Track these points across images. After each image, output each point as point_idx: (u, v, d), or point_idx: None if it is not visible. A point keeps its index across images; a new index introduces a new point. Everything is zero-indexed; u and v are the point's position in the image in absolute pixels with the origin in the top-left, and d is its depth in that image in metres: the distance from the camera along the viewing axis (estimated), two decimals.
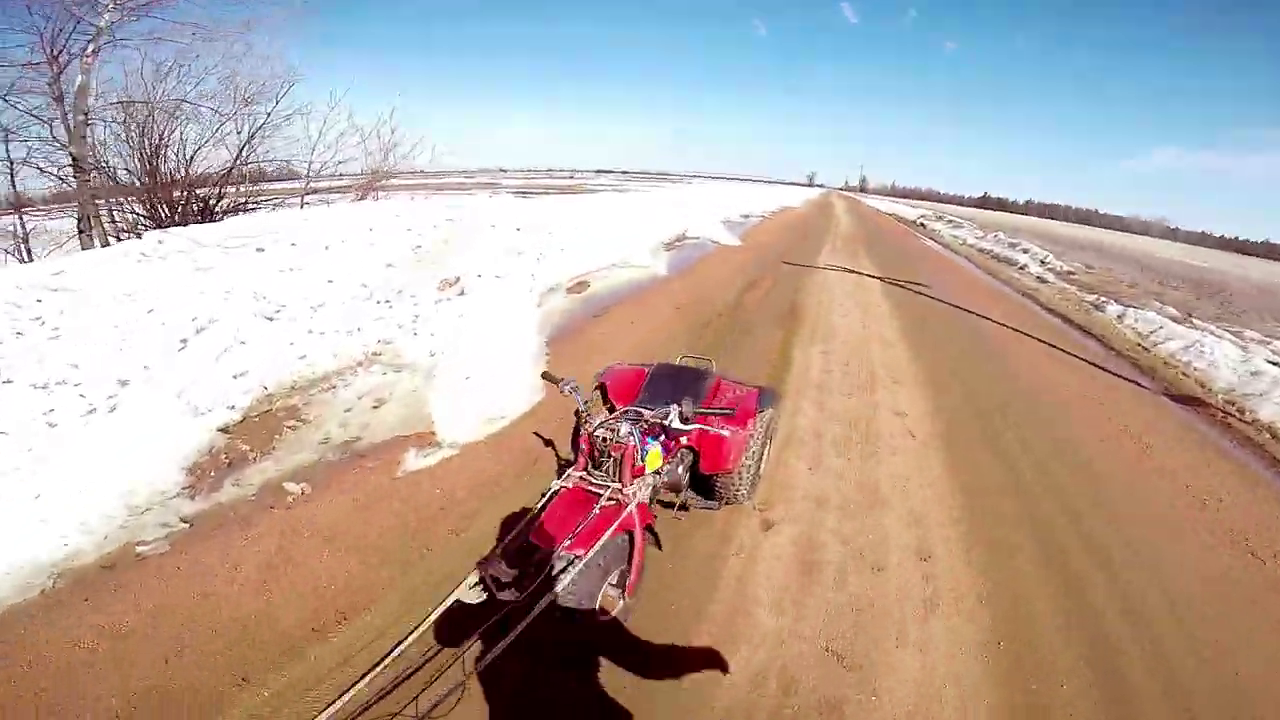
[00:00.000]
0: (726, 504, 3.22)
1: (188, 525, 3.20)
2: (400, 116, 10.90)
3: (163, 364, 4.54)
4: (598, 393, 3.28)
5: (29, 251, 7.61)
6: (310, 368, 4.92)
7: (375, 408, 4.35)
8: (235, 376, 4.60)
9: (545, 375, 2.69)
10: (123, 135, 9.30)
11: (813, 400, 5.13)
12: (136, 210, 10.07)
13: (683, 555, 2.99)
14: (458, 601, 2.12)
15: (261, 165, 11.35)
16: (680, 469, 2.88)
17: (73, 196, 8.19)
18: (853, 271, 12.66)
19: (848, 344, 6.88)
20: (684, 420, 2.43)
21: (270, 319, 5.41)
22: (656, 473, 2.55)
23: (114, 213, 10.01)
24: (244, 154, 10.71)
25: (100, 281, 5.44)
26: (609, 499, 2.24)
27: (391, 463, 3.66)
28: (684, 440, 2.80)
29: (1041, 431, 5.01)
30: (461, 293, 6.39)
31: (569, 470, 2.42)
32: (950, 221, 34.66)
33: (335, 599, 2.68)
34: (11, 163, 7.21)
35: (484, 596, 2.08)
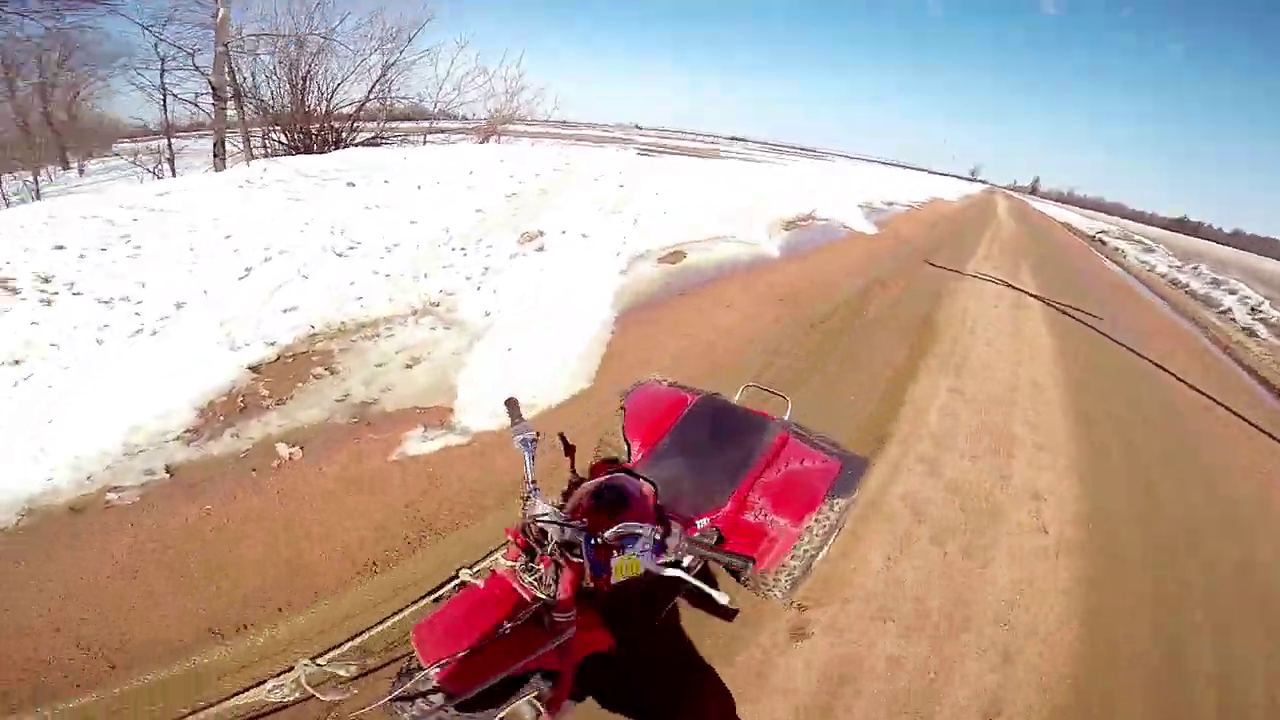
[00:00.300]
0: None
1: (168, 476, 2.86)
2: (529, 64, 10.49)
3: (221, 291, 4.38)
4: (619, 414, 2.45)
5: (173, 170, 8.20)
6: (364, 311, 4.56)
7: (408, 367, 3.86)
8: (285, 311, 4.33)
9: (509, 402, 1.94)
10: (273, 67, 9.73)
11: (922, 456, 3.90)
12: (280, 139, 10.63)
13: (655, 663, 2.10)
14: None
15: (393, 102, 11.51)
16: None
17: (221, 124, 8.72)
18: (1011, 286, 10.45)
19: (988, 382, 5.37)
20: (668, 553, 1.50)
21: (340, 255, 5.14)
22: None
23: (264, 139, 10.63)
24: (378, 90, 10.84)
25: (195, 205, 5.49)
26: (536, 616, 1.49)
27: (394, 440, 3.13)
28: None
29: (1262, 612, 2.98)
30: (541, 249, 5.77)
31: (498, 556, 1.63)
32: (1139, 243, 28.78)
33: (240, 608, 2.15)
34: (165, 90, 7.69)
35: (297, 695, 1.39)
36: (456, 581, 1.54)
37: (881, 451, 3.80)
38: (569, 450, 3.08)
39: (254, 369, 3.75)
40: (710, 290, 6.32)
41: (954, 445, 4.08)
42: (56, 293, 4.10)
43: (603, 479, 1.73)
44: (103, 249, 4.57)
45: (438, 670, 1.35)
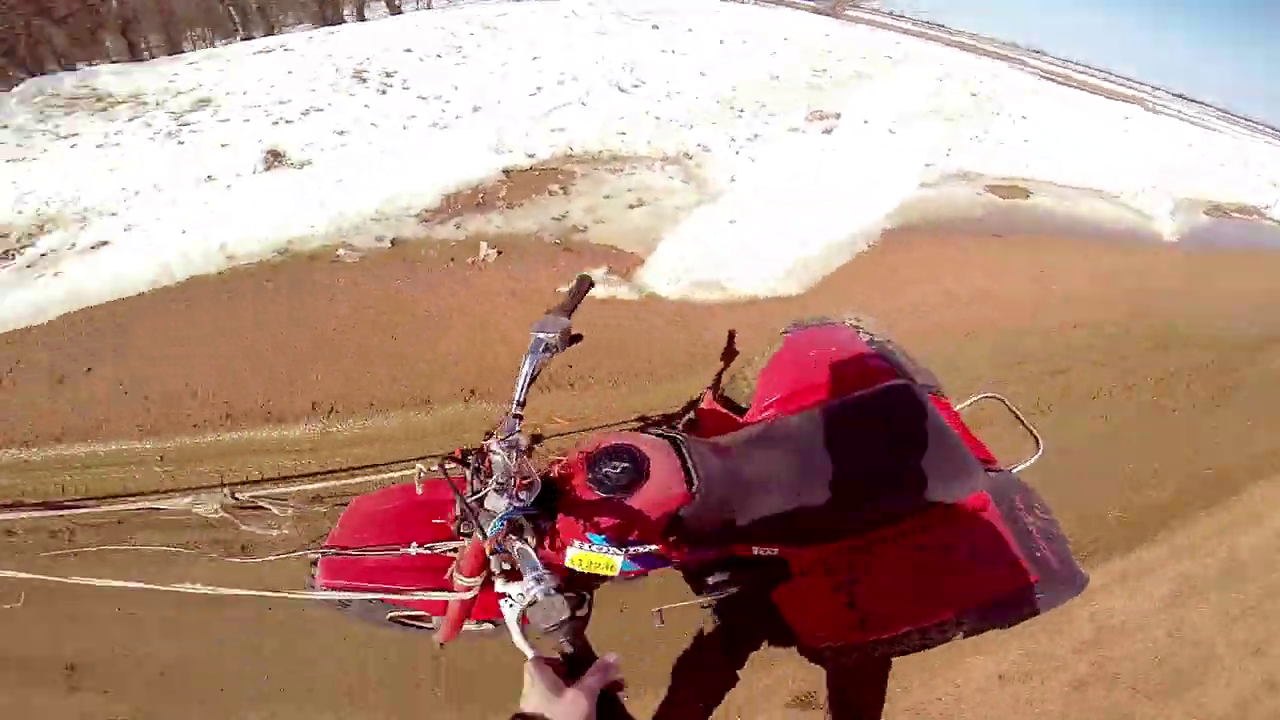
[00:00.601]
0: None
1: (389, 246, 3.09)
2: None
3: (511, 102, 4.58)
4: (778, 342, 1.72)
5: None
6: (622, 145, 4.35)
7: (630, 207, 3.55)
8: (554, 130, 4.34)
9: (580, 281, 1.35)
10: None
11: None
12: None
13: None
14: None
15: None
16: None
17: None
18: None
19: None
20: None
21: (623, 91, 4.95)
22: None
23: None
24: None
25: (521, 26, 5.80)
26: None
27: (575, 272, 2.84)
28: None
29: None
30: (828, 131, 4.74)
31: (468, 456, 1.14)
32: None
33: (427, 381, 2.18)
34: None
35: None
36: (414, 470, 1.14)
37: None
38: (727, 357, 2.39)
39: (506, 172, 3.85)
40: (1039, 248, 4.46)
41: None
42: (392, 85, 4.76)
43: (621, 440, 1.18)
44: (438, 55, 5.15)
45: (322, 558, 1.21)
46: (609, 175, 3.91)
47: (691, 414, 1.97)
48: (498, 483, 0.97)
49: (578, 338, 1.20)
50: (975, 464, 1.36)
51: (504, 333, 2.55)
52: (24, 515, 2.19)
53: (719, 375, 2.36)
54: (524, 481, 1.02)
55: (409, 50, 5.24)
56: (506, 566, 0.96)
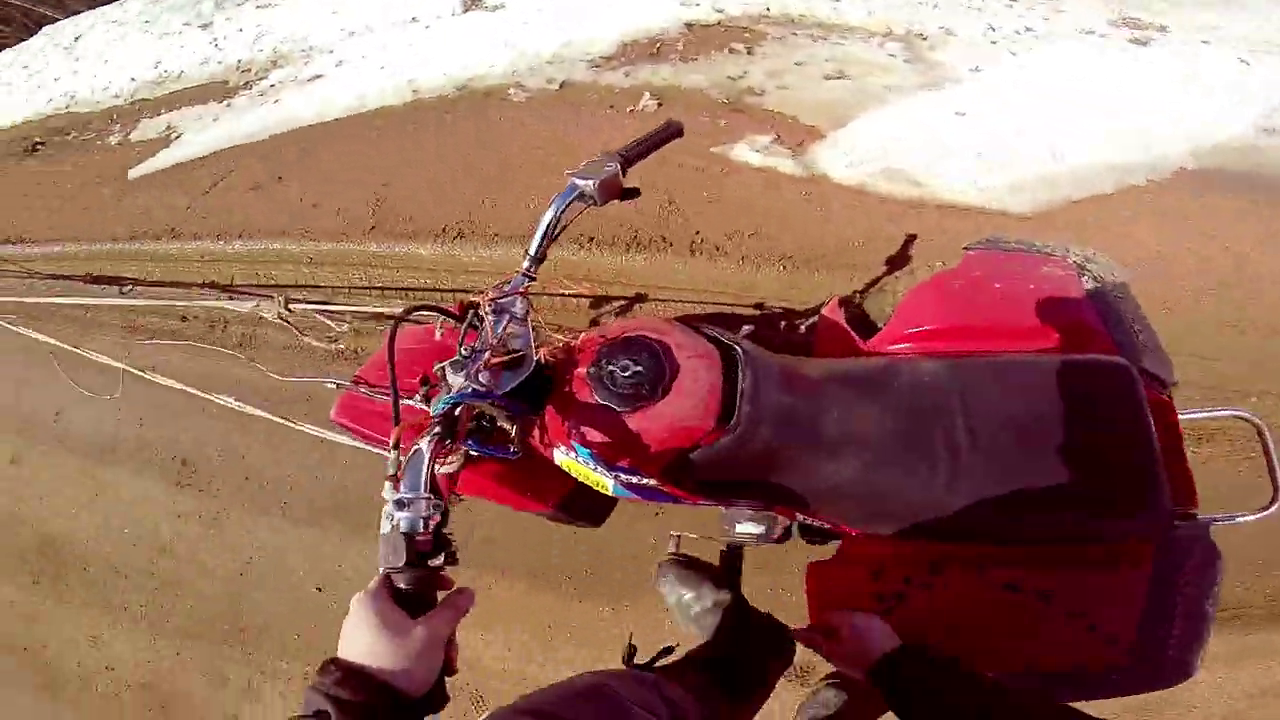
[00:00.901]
0: None
1: (557, 89, 2.92)
2: None
3: None
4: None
5: None
6: (832, 12, 3.60)
7: (827, 78, 2.93)
8: None
9: (667, 127, 1.10)
10: None
11: None
12: None
13: None
14: None
15: None
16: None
17: None
18: None
19: None
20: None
21: None
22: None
23: None
24: None
25: None
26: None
27: (735, 134, 2.41)
28: None
29: None
30: (1140, 43, 3.45)
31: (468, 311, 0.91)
32: None
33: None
34: None
35: None
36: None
37: None
38: (893, 264, 1.83)
39: (688, 25, 3.41)
40: None
41: None
42: None
43: (649, 331, 0.87)
44: None
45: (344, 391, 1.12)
46: (807, 41, 3.26)
47: (813, 319, 1.56)
48: (462, 354, 0.78)
49: (633, 192, 0.94)
50: (1164, 501, 0.87)
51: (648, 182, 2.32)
52: (89, 300, 2.57)
53: (870, 283, 1.86)
54: (505, 357, 0.80)
55: None
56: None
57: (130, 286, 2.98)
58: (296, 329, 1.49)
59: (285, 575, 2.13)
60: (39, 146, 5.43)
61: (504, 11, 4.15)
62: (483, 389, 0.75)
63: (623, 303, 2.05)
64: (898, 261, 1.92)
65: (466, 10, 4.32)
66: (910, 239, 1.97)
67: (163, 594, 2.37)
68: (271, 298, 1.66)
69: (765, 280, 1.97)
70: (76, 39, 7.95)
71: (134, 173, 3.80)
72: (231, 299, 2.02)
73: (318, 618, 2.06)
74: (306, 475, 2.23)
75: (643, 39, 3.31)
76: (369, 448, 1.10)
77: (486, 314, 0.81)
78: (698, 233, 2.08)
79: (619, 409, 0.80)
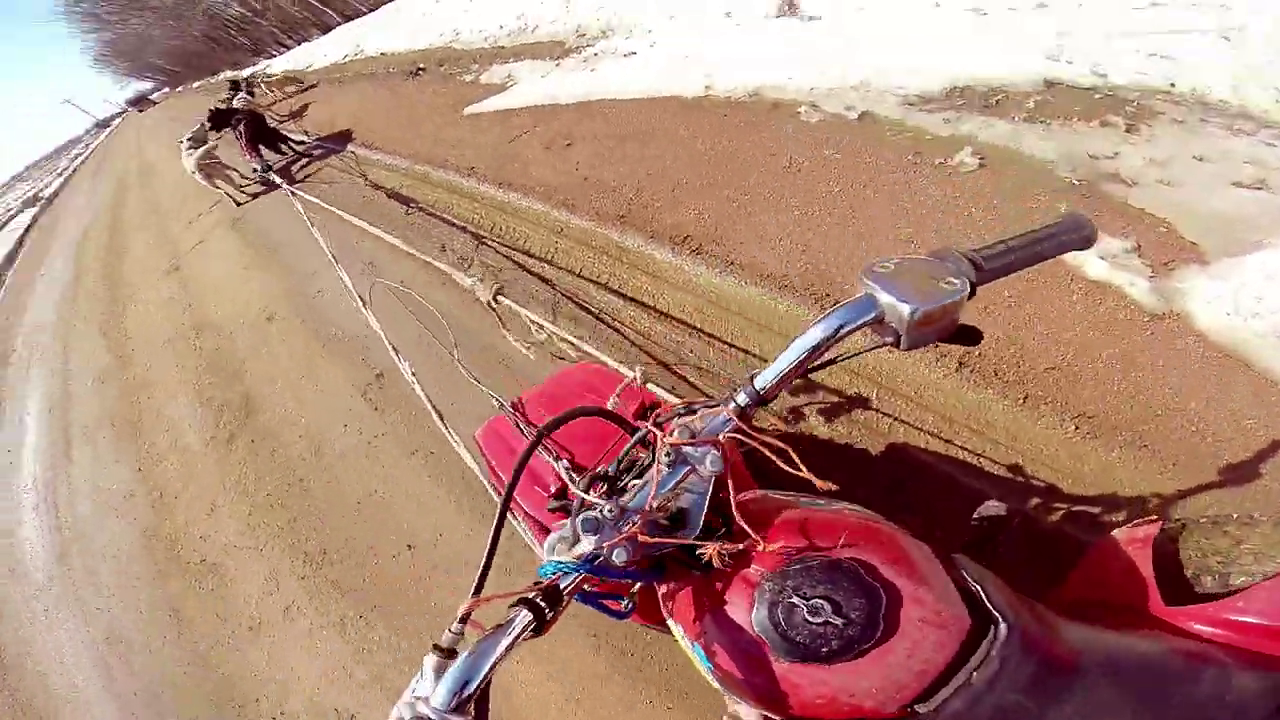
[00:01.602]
0: None
1: (854, 117, 2.68)
2: None
3: (1099, 4, 3.20)
4: None
5: None
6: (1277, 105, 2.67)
7: (1235, 185, 2.14)
8: (1151, 55, 2.92)
9: None
10: None
11: None
12: None
13: None
14: None
15: None
16: None
17: None
18: None
19: None
20: None
21: None
22: None
23: None
24: None
25: None
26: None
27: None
28: None
29: None
30: None
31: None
32: None
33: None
34: None
35: None
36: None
37: None
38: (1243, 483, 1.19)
39: (1048, 83, 2.78)
40: None
41: None
42: None
43: (870, 554, 0.56)
44: None
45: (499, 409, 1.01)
46: (1221, 133, 2.41)
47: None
48: (605, 512, 0.55)
49: (972, 335, 0.60)
50: None
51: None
52: (373, 229, 2.86)
53: (1200, 502, 1.26)
54: (653, 518, 0.56)
55: None
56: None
57: (413, 209, 3.54)
58: (501, 318, 1.50)
59: (392, 522, 1.99)
60: (420, 71, 6.81)
61: (818, 24, 3.89)
62: (615, 568, 0.55)
63: (837, 400, 1.70)
64: (1256, 481, 1.26)
65: (780, 15, 4.16)
66: None
67: (289, 494, 2.35)
68: (484, 281, 1.70)
69: (1041, 436, 1.44)
70: None
71: (468, 110, 4.51)
72: (462, 270, 2.13)
73: (394, 571, 1.89)
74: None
75: (980, 86, 2.78)
76: (489, 487, 1.02)
77: (661, 456, 0.58)
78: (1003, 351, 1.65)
79: (777, 657, 0.56)
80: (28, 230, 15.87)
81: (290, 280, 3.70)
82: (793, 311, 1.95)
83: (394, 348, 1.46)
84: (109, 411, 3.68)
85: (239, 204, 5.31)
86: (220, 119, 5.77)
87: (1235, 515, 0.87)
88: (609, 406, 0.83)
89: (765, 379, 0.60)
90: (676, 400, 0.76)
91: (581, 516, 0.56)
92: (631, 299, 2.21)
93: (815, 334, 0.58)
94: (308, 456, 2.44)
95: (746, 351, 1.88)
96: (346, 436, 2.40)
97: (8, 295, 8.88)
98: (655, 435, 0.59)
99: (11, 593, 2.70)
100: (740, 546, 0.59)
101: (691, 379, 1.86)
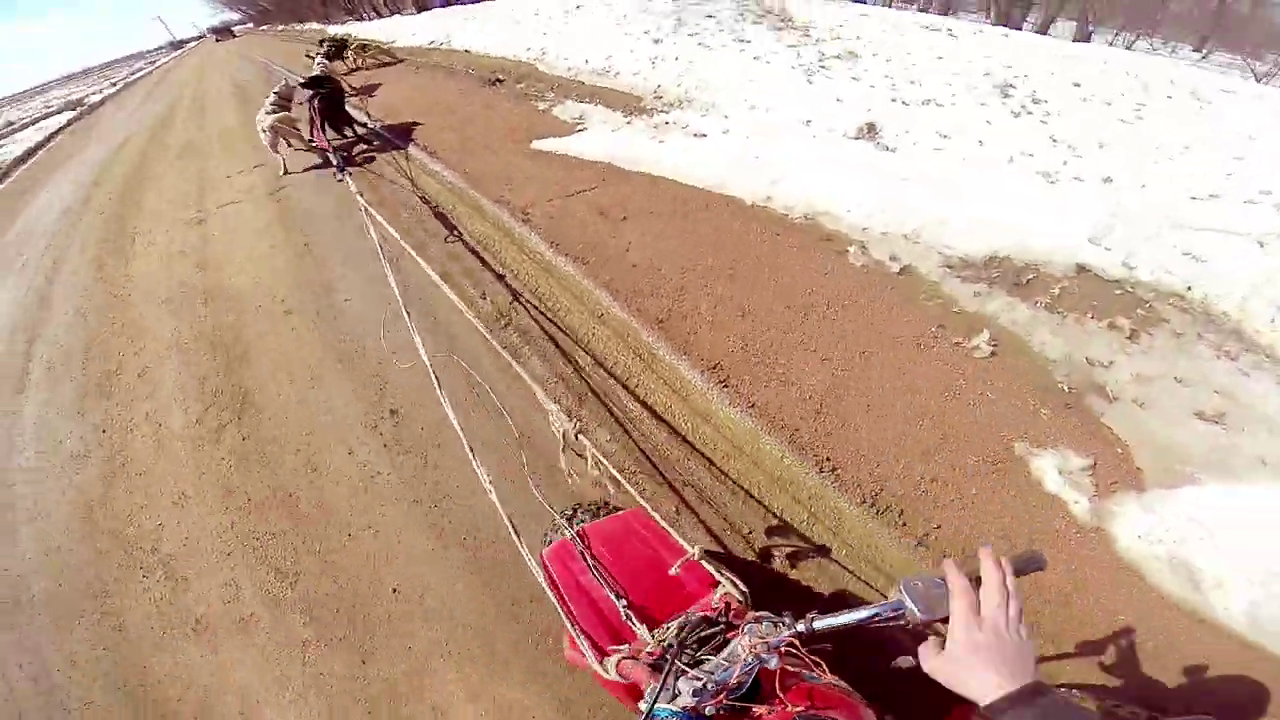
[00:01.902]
0: None
1: (896, 270, 2.84)
2: None
3: (1164, 192, 3.44)
4: None
5: None
6: (1270, 329, 2.86)
7: (1198, 415, 2.31)
8: (1192, 257, 3.13)
9: None
10: None
11: None
12: None
13: None
14: None
15: None
16: None
17: None
18: None
19: None
20: None
21: None
22: None
23: None
24: None
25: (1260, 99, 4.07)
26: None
27: (1048, 441, 2.08)
28: None
29: None
30: None
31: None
32: None
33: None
34: None
35: None
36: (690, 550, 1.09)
37: None
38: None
39: (1080, 268, 3.00)
40: None
41: None
42: (1030, 112, 4.09)
43: None
44: (1107, 102, 4.14)
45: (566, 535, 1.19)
46: (1208, 353, 2.58)
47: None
48: (709, 684, 0.78)
49: None
50: None
51: (935, 443, 2.07)
52: (408, 249, 2.96)
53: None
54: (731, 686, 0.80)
55: (1077, 85, 4.39)
56: None
57: (455, 238, 3.58)
58: (568, 445, 1.53)
59: (381, 562, 1.96)
60: (498, 82, 7.08)
61: (892, 156, 4.09)
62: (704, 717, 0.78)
63: (803, 547, 1.81)
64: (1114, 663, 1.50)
65: (858, 138, 4.38)
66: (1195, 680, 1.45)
67: (274, 504, 2.25)
68: (571, 419, 1.69)
69: None
70: (577, 7, 10.09)
71: (535, 144, 4.72)
72: (542, 390, 1.93)
73: (373, 610, 1.84)
74: (461, 506, 2.10)
75: (1018, 259, 2.98)
76: (553, 599, 1.11)
77: (744, 650, 0.80)
78: (938, 526, 1.82)
79: None
80: (56, 132, 15.73)
81: (319, 275, 3.59)
82: (800, 474, 2.03)
83: (472, 450, 1.40)
84: (83, 351, 3.47)
85: (286, 172, 5.34)
86: (313, 84, 5.76)
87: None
88: (671, 573, 1.10)
89: (820, 625, 0.82)
90: (730, 583, 1.03)
91: (690, 684, 0.79)
92: (660, 418, 2.27)
93: (863, 614, 0.80)
94: (301, 471, 2.33)
95: (763, 505, 1.95)
96: (348, 463, 2.30)
97: (7, 192, 8.71)
98: (746, 642, 0.82)
99: None
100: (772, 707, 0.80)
101: (709, 522, 1.91)
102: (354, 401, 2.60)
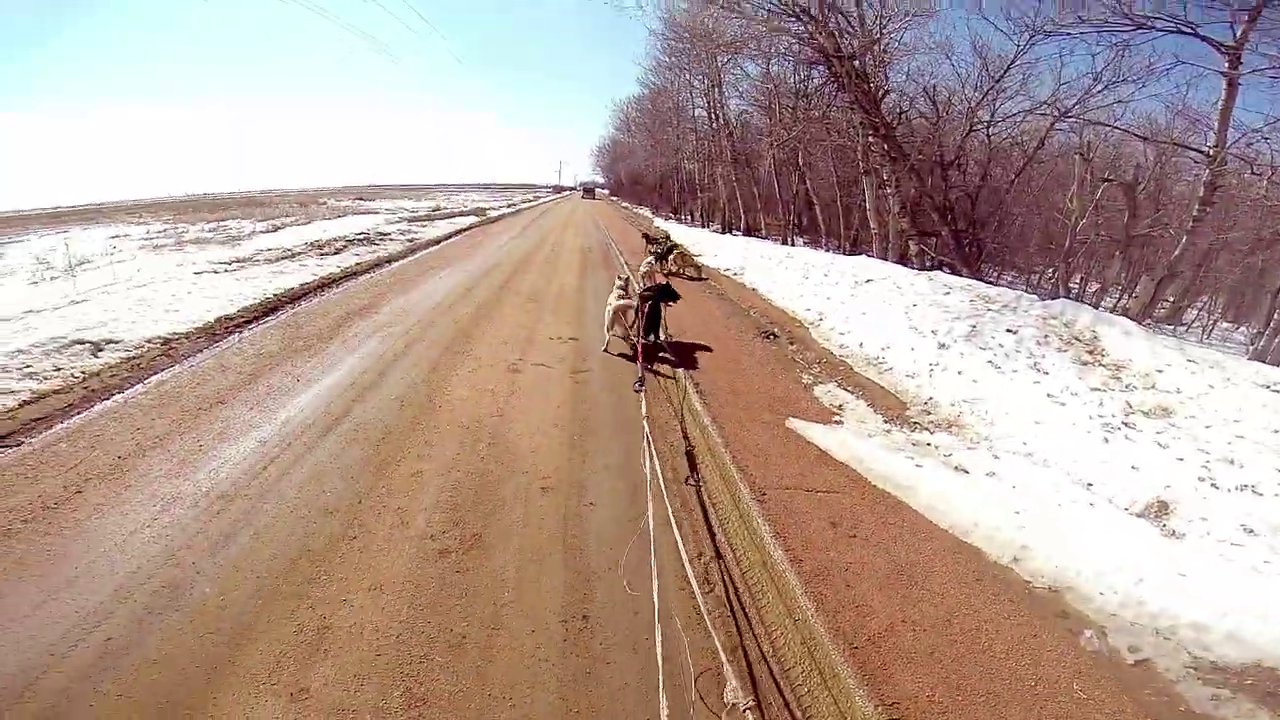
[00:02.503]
0: None
1: None
2: None
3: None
4: None
5: None
6: None
7: None
8: None
9: None
10: None
11: None
12: None
13: None
14: None
15: None
16: None
17: None
18: None
19: None
20: None
21: None
22: None
23: None
24: None
25: None
26: None
27: None
28: None
29: None
30: None
31: None
32: None
33: None
34: None
35: None
36: None
37: None
38: None
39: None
40: None
41: None
42: None
43: None
44: None
45: None
46: None
47: None
48: None
49: None
50: None
51: None
52: None
53: None
54: None
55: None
56: None
57: (694, 484, 3.89)
58: None
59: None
60: (774, 336, 7.93)
61: (1174, 544, 3.50)
62: None
63: None
64: None
65: (1143, 515, 3.81)
66: None
67: (452, 639, 2.57)
68: (744, 695, 2.09)
69: None
70: (867, 280, 11.03)
71: (791, 422, 5.04)
72: None
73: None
74: None
75: None
76: None
77: None
78: None
79: None
80: (460, 231, 20.90)
81: (579, 468, 4.06)
82: None
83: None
84: (383, 431, 4.35)
85: (606, 350, 6.41)
86: (650, 290, 6.84)
87: None
88: None
89: None
90: None
91: None
92: None
93: None
94: (487, 623, 2.63)
95: None
96: (528, 641, 2.54)
97: (406, 266, 11.60)
98: None
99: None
100: None
101: None
102: (559, 593, 2.90)
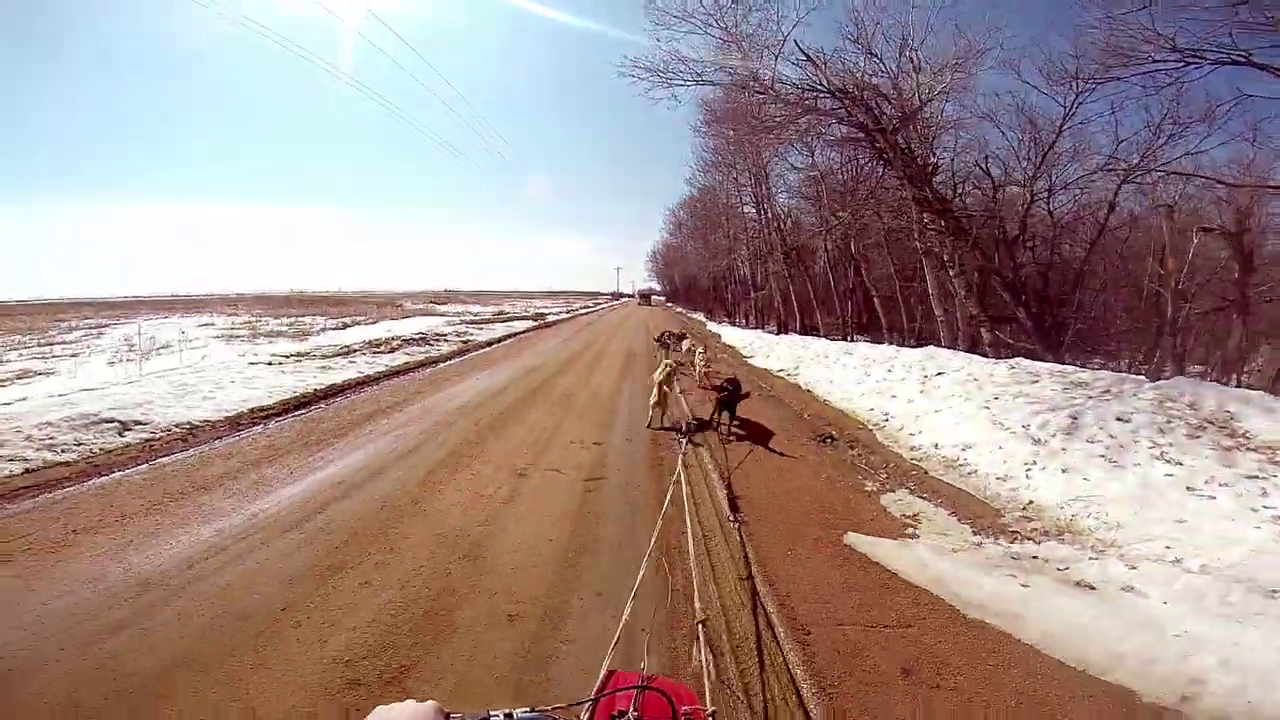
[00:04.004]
0: None
1: None
2: None
3: None
4: None
5: None
6: None
7: None
8: None
9: None
10: None
11: None
12: None
13: None
14: None
15: None
16: None
17: None
18: None
19: None
20: None
21: None
22: None
23: None
24: None
25: None
26: None
27: None
28: None
29: None
30: None
31: None
32: None
33: None
34: None
35: None
36: None
37: None
38: None
39: None
40: None
41: None
42: None
43: None
44: None
45: None
46: None
47: None
48: None
49: None
50: None
51: None
52: None
53: None
54: None
55: None
56: None
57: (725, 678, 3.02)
58: None
59: None
60: (831, 440, 7.04)
61: None
62: None
63: None
64: None
65: None
66: None
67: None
68: None
69: None
70: (938, 373, 10.00)
71: (850, 537, 4.15)
72: None
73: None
74: None
75: None
76: None
77: None
78: None
79: None
80: (515, 334, 21.77)
81: (560, 600, 3.27)
82: None
83: None
84: (358, 522, 4.15)
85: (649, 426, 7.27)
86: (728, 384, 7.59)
87: None
88: None
89: None
90: None
91: None
92: None
93: None
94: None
95: None
96: None
97: (451, 367, 11.61)
98: None
99: None
100: None
101: None
102: None
